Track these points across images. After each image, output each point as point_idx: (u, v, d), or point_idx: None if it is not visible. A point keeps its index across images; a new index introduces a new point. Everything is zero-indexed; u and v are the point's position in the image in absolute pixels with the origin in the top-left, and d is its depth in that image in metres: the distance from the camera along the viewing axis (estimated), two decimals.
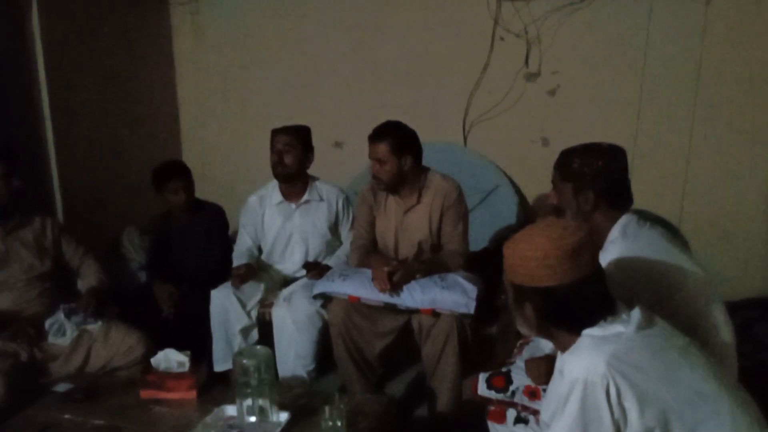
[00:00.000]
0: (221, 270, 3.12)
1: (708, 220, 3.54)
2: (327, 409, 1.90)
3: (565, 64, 3.65)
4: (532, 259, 1.38)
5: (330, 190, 3.14)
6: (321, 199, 3.10)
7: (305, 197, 3.07)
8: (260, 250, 3.20)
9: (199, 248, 3.21)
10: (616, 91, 3.58)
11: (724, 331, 1.68)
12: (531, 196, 3.83)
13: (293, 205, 3.08)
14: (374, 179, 2.75)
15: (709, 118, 3.45)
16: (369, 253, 2.84)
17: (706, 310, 1.67)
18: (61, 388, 2.32)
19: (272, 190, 3.11)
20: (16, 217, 2.66)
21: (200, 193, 3.37)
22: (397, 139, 2.66)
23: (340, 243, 3.17)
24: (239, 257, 3.10)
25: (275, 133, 3.00)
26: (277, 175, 3.02)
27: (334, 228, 3.14)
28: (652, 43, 3.46)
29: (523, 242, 1.42)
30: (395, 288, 2.55)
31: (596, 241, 1.52)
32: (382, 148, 2.65)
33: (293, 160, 2.98)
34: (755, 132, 3.41)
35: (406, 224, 2.80)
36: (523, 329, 1.52)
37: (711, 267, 1.95)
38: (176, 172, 3.18)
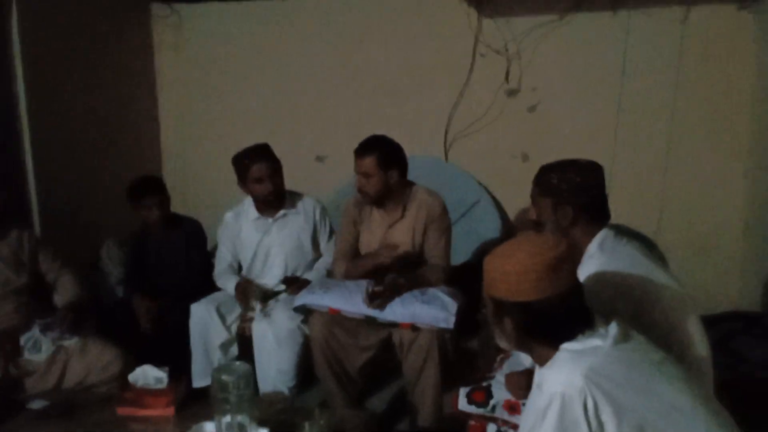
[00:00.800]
0: (200, 285, 3.10)
1: (685, 234, 3.58)
2: (307, 425, 1.89)
3: (544, 81, 3.70)
4: (512, 273, 1.38)
5: (306, 201, 3.14)
6: (297, 212, 3.10)
7: (282, 211, 3.06)
8: (240, 266, 3.18)
9: (177, 263, 3.19)
10: (594, 107, 3.63)
11: (700, 345, 1.69)
12: (511, 210, 3.86)
13: (270, 220, 3.07)
14: (360, 193, 2.76)
15: (686, 134, 3.51)
16: (353, 259, 2.83)
17: (683, 324, 1.69)
18: (37, 404, 2.29)
19: (248, 206, 3.10)
20: None
21: (180, 207, 3.36)
22: (383, 153, 2.67)
23: (320, 255, 3.16)
24: (221, 274, 3.08)
25: (253, 160, 2.90)
26: (269, 202, 2.99)
27: (313, 239, 3.13)
28: (630, 59, 3.51)
29: (503, 256, 1.43)
30: (378, 307, 2.55)
31: (574, 256, 1.53)
32: (369, 162, 2.66)
33: (281, 183, 2.98)
34: (731, 147, 3.47)
35: (391, 238, 2.80)
36: (502, 343, 1.52)
37: (688, 281, 1.98)
38: (150, 189, 3.15)
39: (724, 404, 1.46)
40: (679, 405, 1.34)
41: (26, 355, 2.50)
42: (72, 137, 3.63)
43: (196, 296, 2.97)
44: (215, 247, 3.22)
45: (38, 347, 2.51)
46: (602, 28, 3.55)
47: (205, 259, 3.26)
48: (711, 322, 1.79)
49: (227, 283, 3.01)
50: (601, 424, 1.30)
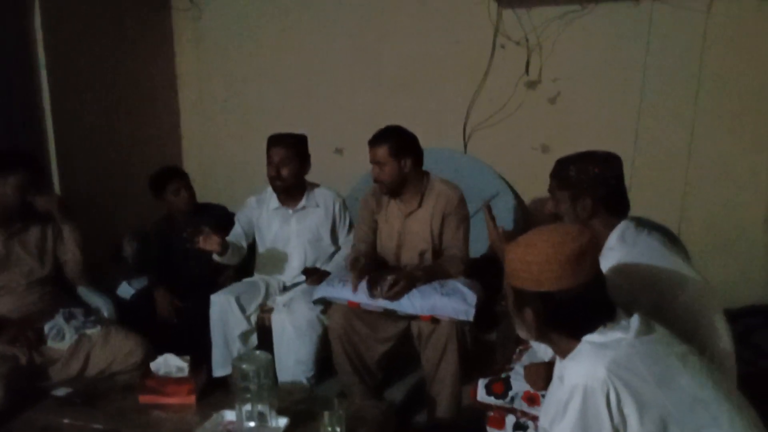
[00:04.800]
0: (222, 275, 3.13)
1: (708, 227, 3.54)
2: (326, 414, 1.90)
3: (565, 72, 3.66)
4: (534, 263, 1.38)
5: (326, 195, 3.15)
6: (317, 205, 3.11)
7: (302, 203, 3.08)
8: (252, 249, 3.18)
9: (201, 252, 3.21)
10: (616, 99, 3.59)
11: (723, 338, 1.68)
12: (531, 203, 3.83)
13: (290, 211, 3.09)
14: (375, 183, 2.76)
15: (709, 126, 3.46)
16: (358, 258, 2.82)
17: (705, 317, 1.67)
18: (61, 392, 2.31)
19: (270, 196, 3.13)
20: (18, 222, 2.66)
21: (201, 198, 3.38)
22: (396, 142, 2.68)
23: (338, 248, 3.17)
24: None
25: (272, 144, 2.98)
26: (274, 187, 3.05)
27: (332, 233, 3.14)
28: (653, 50, 3.47)
29: (525, 246, 1.42)
30: (394, 298, 2.55)
31: (597, 247, 1.52)
32: (381, 152, 2.67)
33: (289, 174, 2.99)
34: (755, 139, 3.42)
35: (408, 229, 2.80)
36: (523, 333, 1.52)
37: (711, 274, 1.95)
38: (174, 174, 3.21)
39: None
40: (703, 398, 1.33)
41: (50, 343, 2.52)
42: (94, 130, 3.67)
43: (217, 286, 3.00)
44: None
45: (62, 335, 2.54)
46: (625, 18, 3.50)
47: None
48: (731, 317, 1.77)
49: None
50: (623, 417, 1.29)
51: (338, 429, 1.90)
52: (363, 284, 2.61)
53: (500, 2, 3.63)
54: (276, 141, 2.99)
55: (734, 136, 3.44)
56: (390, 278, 2.58)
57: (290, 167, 2.98)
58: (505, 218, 3.64)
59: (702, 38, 3.38)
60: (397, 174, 2.69)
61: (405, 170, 2.70)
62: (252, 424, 1.97)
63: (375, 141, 2.70)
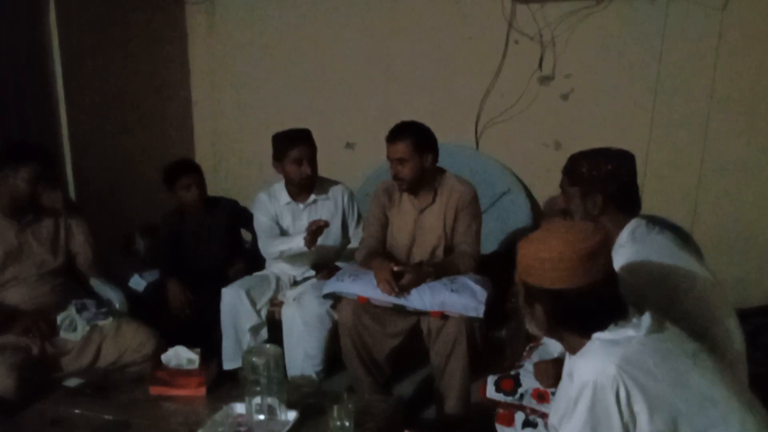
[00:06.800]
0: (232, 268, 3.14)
1: (721, 225, 3.51)
2: (335, 408, 1.90)
3: (578, 68, 3.64)
4: (547, 260, 1.37)
5: (334, 187, 3.14)
6: (327, 198, 3.11)
7: (312, 197, 3.08)
8: None
9: (212, 245, 3.23)
10: (629, 96, 3.56)
11: (735, 337, 1.67)
12: (543, 199, 3.82)
13: (301, 205, 3.08)
14: (396, 180, 2.73)
15: (724, 124, 3.43)
16: (372, 254, 2.80)
17: (716, 316, 1.66)
18: (72, 382, 2.33)
19: (279, 191, 3.11)
20: (31, 214, 2.68)
21: (212, 191, 3.40)
22: (418, 137, 2.65)
23: (348, 240, 3.17)
24: (272, 240, 3.00)
25: (299, 142, 2.92)
26: (303, 186, 3.01)
27: (342, 225, 3.14)
28: (667, 47, 3.44)
29: (538, 242, 1.41)
30: (403, 290, 2.55)
31: (609, 246, 1.51)
32: (404, 147, 2.63)
33: (316, 167, 3.00)
34: None
35: (422, 224, 2.79)
36: (533, 329, 1.51)
37: (723, 273, 1.94)
38: (187, 168, 3.22)
39: None
40: (713, 397, 1.32)
41: (62, 334, 2.54)
42: (107, 124, 3.70)
43: (228, 279, 3.01)
44: None
45: (74, 327, 2.56)
46: (640, 15, 3.46)
47: (241, 241, 3.29)
48: (741, 317, 1.75)
49: (290, 241, 2.92)
50: (633, 414, 1.29)
51: (347, 423, 1.90)
52: (372, 279, 2.61)
53: None
54: (302, 138, 2.94)
55: (748, 134, 3.41)
56: (397, 268, 2.58)
57: (316, 164, 2.99)
58: (517, 215, 3.63)
59: (717, 36, 3.35)
60: (419, 170, 2.67)
61: (426, 165, 2.69)
62: (261, 417, 1.98)
63: (396, 136, 2.66)
